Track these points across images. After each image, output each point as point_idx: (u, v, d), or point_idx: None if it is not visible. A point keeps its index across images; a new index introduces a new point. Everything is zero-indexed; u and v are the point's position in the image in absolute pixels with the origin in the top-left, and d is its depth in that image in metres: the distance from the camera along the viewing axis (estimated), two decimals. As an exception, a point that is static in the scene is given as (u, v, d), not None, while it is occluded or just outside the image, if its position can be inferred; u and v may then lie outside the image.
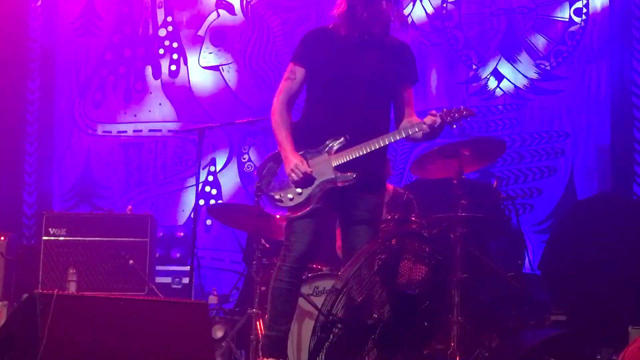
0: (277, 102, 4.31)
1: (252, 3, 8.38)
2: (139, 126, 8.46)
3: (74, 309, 3.78)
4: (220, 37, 8.43)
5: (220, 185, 8.24)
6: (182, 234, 7.40)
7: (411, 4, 7.99)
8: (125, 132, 8.44)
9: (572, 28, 7.63)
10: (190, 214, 7.81)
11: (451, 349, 4.92)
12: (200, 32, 8.46)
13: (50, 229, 6.41)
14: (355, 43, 4.17)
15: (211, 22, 8.44)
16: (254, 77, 8.31)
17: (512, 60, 7.73)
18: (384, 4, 4.09)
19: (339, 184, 4.11)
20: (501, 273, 5.38)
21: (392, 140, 4.12)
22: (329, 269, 5.53)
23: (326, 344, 4.34)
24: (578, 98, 7.55)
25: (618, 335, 5.21)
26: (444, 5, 7.95)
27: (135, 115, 8.46)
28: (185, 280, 6.89)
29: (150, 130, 8.42)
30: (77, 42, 8.57)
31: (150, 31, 8.54)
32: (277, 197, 4.21)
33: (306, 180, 4.11)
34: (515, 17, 7.79)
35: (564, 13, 7.67)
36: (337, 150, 4.12)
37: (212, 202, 8.14)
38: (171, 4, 8.53)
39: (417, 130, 4.09)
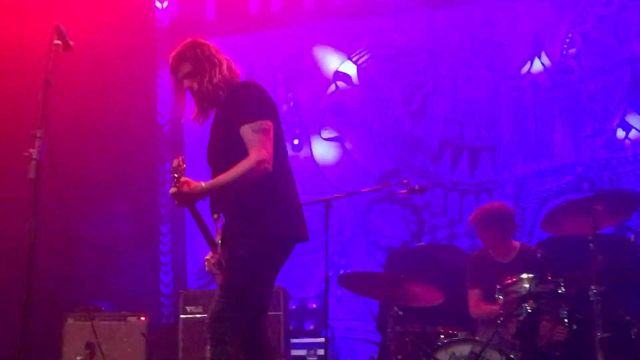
0: None
1: (368, 72, 8.50)
2: (267, 201, 8.61)
3: (215, 385, 3.84)
4: (339, 108, 8.57)
5: (349, 255, 8.26)
6: (314, 306, 7.43)
7: (529, 62, 7.93)
8: (254, 207, 8.61)
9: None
10: (321, 285, 7.84)
11: (599, 411, 4.72)
12: (321, 105, 8.62)
13: (187, 307, 6.55)
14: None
15: (330, 94, 8.59)
16: (374, 145, 8.38)
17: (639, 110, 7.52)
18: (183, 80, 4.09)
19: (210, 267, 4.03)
20: (646, 330, 5.14)
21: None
22: (465, 334, 5.43)
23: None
24: None
25: None
26: (564, 59, 7.85)
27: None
28: (321, 351, 6.89)
29: (277, 204, 8.55)
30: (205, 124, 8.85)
31: (272, 108, 8.76)
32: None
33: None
34: (640, 65, 7.60)
35: (692, 58, 7.44)
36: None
37: (342, 271, 8.16)
38: (291, 79, 8.75)
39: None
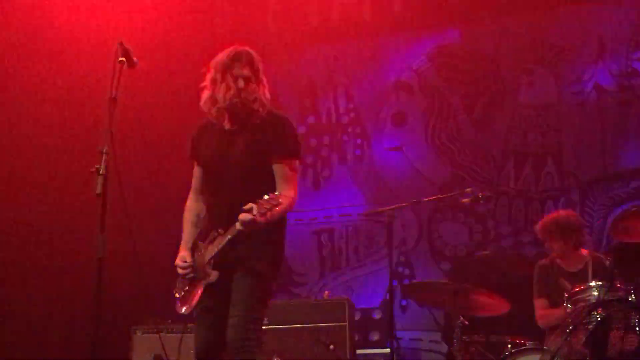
0: (188, 199, 4.46)
1: (430, 80, 8.46)
2: (329, 212, 8.63)
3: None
4: (401, 117, 8.55)
5: (412, 265, 8.22)
6: (378, 316, 7.41)
7: (593, 66, 7.81)
8: (317, 218, 8.64)
9: None
10: (386, 295, 7.82)
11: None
12: (382, 115, 8.61)
13: (252, 319, 6.56)
14: (225, 129, 4.23)
15: (392, 104, 8.57)
16: (437, 153, 8.33)
17: None
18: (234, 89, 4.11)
19: (210, 280, 4.09)
20: None
21: (232, 235, 3.96)
22: (533, 343, 5.36)
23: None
24: None
25: None
26: (629, 62, 7.71)
27: (324, 202, 8.65)
28: (386, 362, 6.86)
29: (340, 215, 8.57)
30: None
31: (334, 119, 8.78)
32: (176, 294, 4.27)
33: (192, 274, 4.18)
34: None
35: None
36: (210, 242, 4.13)
37: (406, 281, 8.13)
38: (352, 91, 8.77)
39: (235, 232, 3.95)
